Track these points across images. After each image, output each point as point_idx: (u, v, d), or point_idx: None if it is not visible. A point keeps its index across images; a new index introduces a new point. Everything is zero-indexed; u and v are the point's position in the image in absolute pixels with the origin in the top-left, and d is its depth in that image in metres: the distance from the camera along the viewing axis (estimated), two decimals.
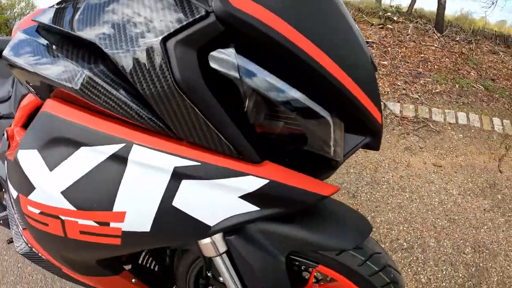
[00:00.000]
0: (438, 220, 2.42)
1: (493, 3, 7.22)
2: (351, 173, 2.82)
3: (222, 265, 0.91)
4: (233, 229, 0.86)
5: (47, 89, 0.73)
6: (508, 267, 2.13)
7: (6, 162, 0.95)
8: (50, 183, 0.73)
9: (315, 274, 1.08)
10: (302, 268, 1.09)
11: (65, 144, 0.70)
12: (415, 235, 2.27)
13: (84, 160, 0.69)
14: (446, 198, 2.64)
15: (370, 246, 0.95)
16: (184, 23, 0.57)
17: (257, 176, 0.65)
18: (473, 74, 4.66)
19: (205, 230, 0.72)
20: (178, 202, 0.68)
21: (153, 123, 0.63)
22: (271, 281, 0.91)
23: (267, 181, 0.65)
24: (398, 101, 3.89)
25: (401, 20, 6.20)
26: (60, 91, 0.70)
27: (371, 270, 0.91)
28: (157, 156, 0.65)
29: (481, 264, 2.13)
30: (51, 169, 0.72)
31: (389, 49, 4.99)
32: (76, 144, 0.69)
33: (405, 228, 2.33)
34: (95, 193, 0.71)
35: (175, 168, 0.65)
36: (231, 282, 0.93)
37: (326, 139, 0.68)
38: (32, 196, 0.77)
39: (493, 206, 2.62)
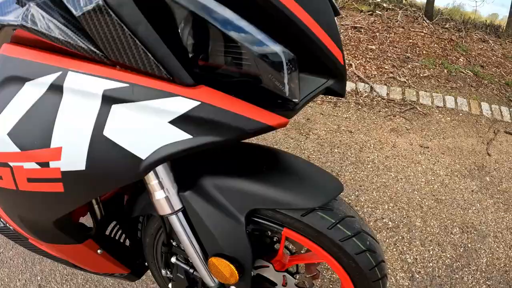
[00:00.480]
0: (425, 200, 2.29)
1: None
2: (335, 152, 2.69)
3: (178, 225, 0.85)
4: (188, 185, 0.82)
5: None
6: (497, 249, 2.01)
7: None
8: None
9: (286, 244, 1.02)
10: (275, 240, 1.01)
11: (14, 83, 0.69)
12: (401, 215, 2.14)
13: (27, 96, 0.67)
14: (433, 178, 2.51)
15: (342, 209, 0.87)
16: None
17: (187, 98, 0.60)
18: (462, 60, 4.55)
19: (137, 163, 0.65)
20: (109, 130, 0.64)
21: (89, 49, 0.61)
22: (231, 243, 0.84)
23: (198, 103, 0.60)
24: (385, 84, 3.76)
25: (391, 7, 6.08)
26: (15, 36, 0.71)
27: (343, 234, 0.82)
28: (88, 80, 0.63)
29: (469, 245, 2.01)
30: (0, 111, 0.70)
31: (377, 34, 4.86)
32: (22, 80, 0.68)
33: (390, 207, 2.20)
34: (35, 129, 0.69)
35: (105, 91, 0.62)
36: (189, 243, 0.88)
37: (279, 75, 0.60)
38: None
39: (481, 187, 2.50)
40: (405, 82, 3.83)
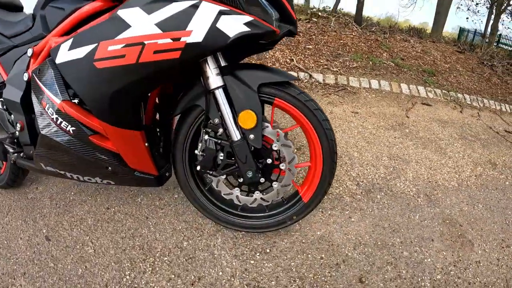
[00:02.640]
0: (358, 142, 2.86)
1: (412, 4, 8.14)
2: (287, 117, 3.19)
3: (220, 97, 1.40)
4: (227, 73, 1.40)
5: None
6: (420, 169, 2.60)
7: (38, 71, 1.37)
8: (146, 20, 1.17)
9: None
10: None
11: (162, 1, 1.15)
12: (342, 151, 2.70)
13: (175, 8, 1.16)
14: (363, 130, 3.09)
15: (299, 89, 1.51)
16: None
17: (249, 16, 1.21)
18: (385, 55, 5.32)
19: (227, 38, 1.19)
20: (219, 24, 1.18)
21: None
22: (251, 103, 1.41)
23: (252, 18, 1.20)
24: (321, 73, 4.37)
25: (325, 16, 6.86)
26: None
27: (305, 98, 1.46)
28: (212, 5, 1.17)
29: (397, 167, 2.57)
30: (149, 13, 1.16)
31: (313, 37, 5.54)
32: (170, 1, 1.16)
33: None
34: (179, 20, 1.16)
35: (219, 10, 1.17)
36: (225, 110, 1.41)
37: (273, 20, 1.27)
38: (121, 35, 1.18)
39: (402, 135, 3.11)
40: (337, 71, 4.47)
